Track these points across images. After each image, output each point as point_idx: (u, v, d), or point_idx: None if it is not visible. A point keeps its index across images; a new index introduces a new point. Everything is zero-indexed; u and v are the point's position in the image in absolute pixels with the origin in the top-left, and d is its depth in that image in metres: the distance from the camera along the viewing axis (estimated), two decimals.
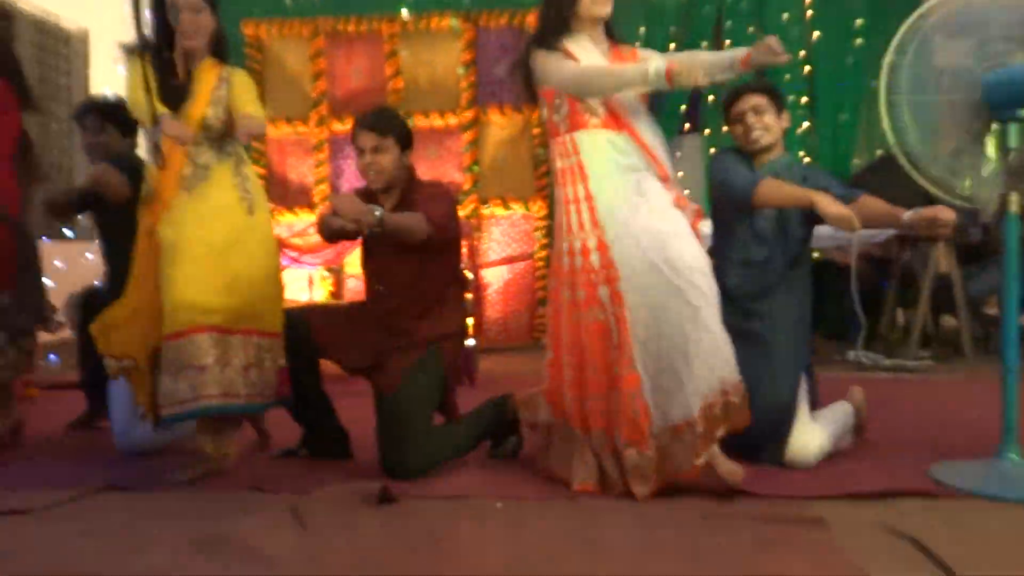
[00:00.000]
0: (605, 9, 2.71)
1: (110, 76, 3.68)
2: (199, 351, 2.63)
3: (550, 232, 6.03)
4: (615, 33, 2.83)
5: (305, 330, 2.86)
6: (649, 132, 2.71)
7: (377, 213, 2.64)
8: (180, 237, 2.70)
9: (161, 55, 2.81)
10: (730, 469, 2.51)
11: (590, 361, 2.57)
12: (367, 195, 2.91)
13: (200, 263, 2.68)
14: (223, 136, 2.79)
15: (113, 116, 3.38)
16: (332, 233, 2.92)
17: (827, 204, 2.70)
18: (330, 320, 2.94)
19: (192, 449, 2.91)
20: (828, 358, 5.16)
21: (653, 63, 2.55)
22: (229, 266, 2.72)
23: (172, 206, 2.75)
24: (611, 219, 2.59)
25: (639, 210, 2.57)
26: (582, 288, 2.60)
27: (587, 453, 2.59)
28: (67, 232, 5.46)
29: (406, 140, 2.93)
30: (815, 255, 6.16)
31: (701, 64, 2.57)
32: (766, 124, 2.98)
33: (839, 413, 3.01)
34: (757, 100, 2.98)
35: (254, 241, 2.82)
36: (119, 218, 3.02)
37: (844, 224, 2.66)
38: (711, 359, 2.46)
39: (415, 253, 2.82)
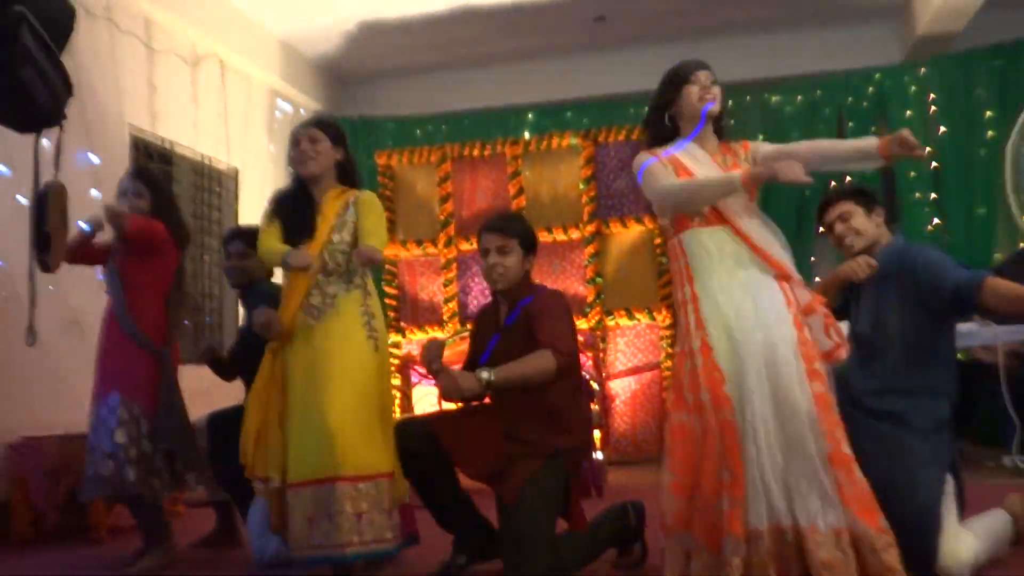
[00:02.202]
0: (710, 104, 2.66)
1: (257, 208, 3.94)
2: (338, 500, 2.65)
3: (675, 341, 5.97)
4: (725, 129, 2.78)
5: (433, 438, 2.86)
6: (758, 229, 2.62)
7: (484, 376, 2.65)
8: (321, 373, 2.75)
9: (295, 190, 2.98)
10: None
11: (728, 464, 2.42)
12: (483, 311, 3.00)
13: (346, 400, 2.72)
14: (348, 262, 2.88)
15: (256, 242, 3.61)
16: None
17: None
18: (455, 427, 2.94)
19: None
20: (981, 464, 4.84)
21: (737, 172, 2.55)
22: (365, 409, 2.77)
23: (299, 334, 2.84)
24: (715, 320, 2.53)
25: (746, 306, 2.52)
26: (704, 390, 2.51)
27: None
28: None
29: (530, 243, 2.99)
30: (959, 355, 5.88)
31: (806, 159, 2.53)
32: (856, 228, 2.93)
33: (995, 521, 2.81)
34: (844, 207, 2.95)
35: (382, 382, 2.88)
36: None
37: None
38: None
39: None
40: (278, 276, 3.38)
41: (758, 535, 2.35)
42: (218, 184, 6.18)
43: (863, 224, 2.94)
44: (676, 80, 2.69)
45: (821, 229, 3.11)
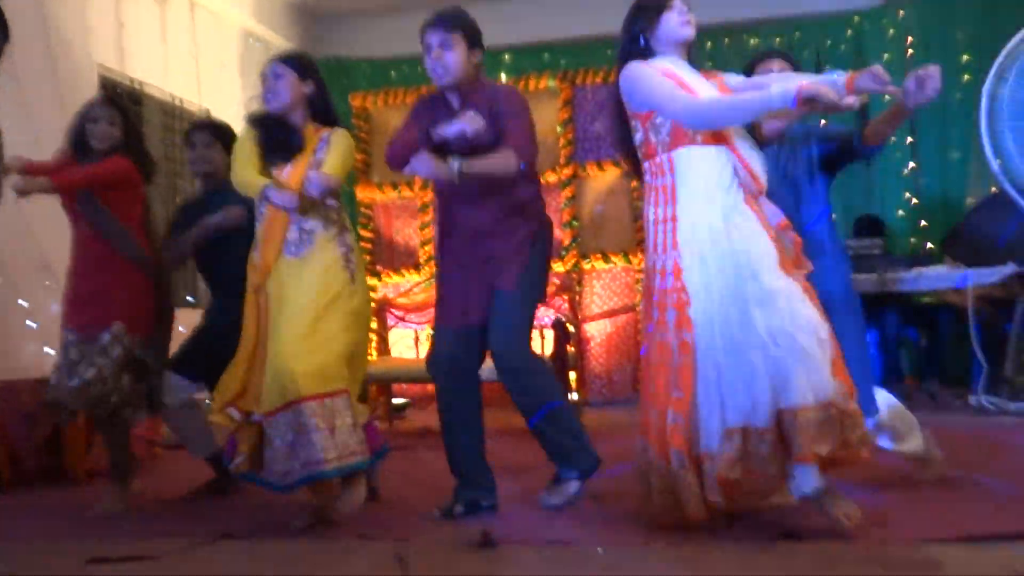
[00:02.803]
0: (689, 31, 2.66)
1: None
2: (309, 418, 2.71)
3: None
4: (694, 59, 2.76)
5: (467, 372, 2.98)
6: (748, 147, 2.65)
7: (455, 167, 2.71)
8: (287, 304, 2.81)
9: (272, 125, 2.96)
10: (848, 511, 2.42)
11: (677, 382, 2.52)
12: (430, 100, 3.03)
13: (299, 327, 2.76)
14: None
15: (222, 135, 3.53)
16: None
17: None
18: (444, 310, 3.03)
19: (302, 500, 3.00)
20: (949, 404, 4.94)
21: (776, 87, 2.48)
22: (323, 328, 2.80)
23: (278, 268, 2.87)
24: (690, 242, 2.57)
25: (724, 236, 2.56)
26: (671, 308, 2.58)
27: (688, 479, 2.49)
28: (189, 299, 5.75)
29: (475, 37, 2.92)
30: (926, 299, 5.98)
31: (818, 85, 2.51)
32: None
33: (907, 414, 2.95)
34: (782, 64, 2.97)
35: (350, 308, 2.89)
36: (231, 262, 3.14)
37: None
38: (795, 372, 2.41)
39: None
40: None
41: (711, 455, 2.45)
42: (188, 125, 6.08)
43: None
44: (654, 5, 2.66)
45: None
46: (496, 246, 2.95)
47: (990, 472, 3.16)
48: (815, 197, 3.03)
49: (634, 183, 6.13)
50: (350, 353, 2.88)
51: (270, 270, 2.88)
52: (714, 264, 2.54)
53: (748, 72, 3.01)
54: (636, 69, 2.65)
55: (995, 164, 2.63)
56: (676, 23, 2.65)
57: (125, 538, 2.79)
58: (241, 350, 2.91)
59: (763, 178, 2.64)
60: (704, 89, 2.62)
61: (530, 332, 3.07)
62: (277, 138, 2.92)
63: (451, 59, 2.89)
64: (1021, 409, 4.68)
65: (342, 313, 2.86)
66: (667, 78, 2.61)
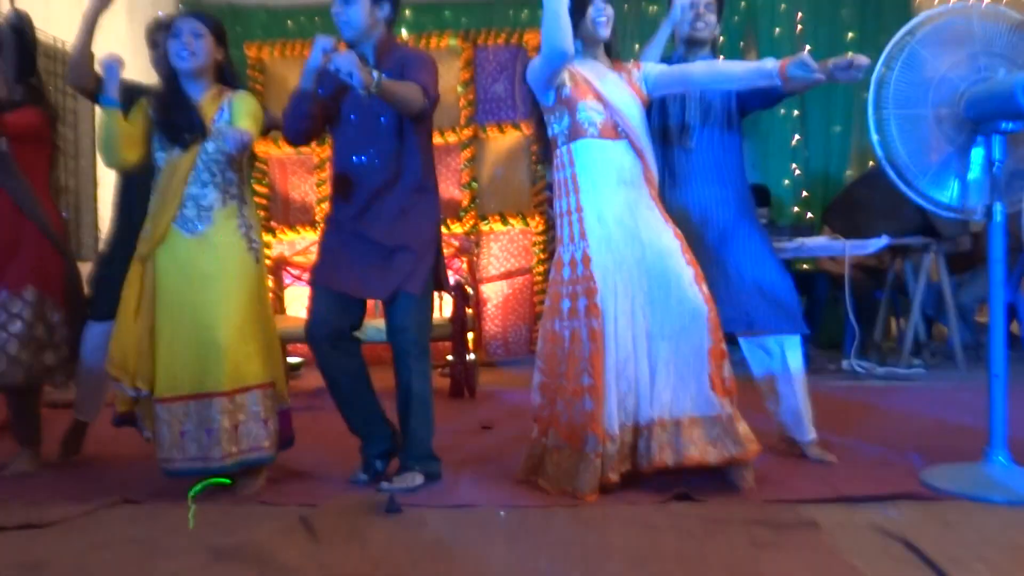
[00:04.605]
0: (605, 32, 2.80)
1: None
2: (216, 415, 2.69)
3: (548, 246, 6.11)
4: (614, 50, 2.92)
5: (346, 337, 2.91)
6: (648, 144, 2.80)
7: (376, 75, 2.61)
8: (204, 294, 2.72)
9: (173, 107, 2.82)
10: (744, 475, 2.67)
11: (589, 369, 2.64)
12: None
13: (215, 318, 2.71)
14: (224, 172, 2.81)
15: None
16: (304, 100, 2.84)
17: None
18: (329, 270, 2.91)
19: None
20: (823, 368, 5.24)
21: (769, 61, 2.65)
22: (249, 324, 2.77)
23: (175, 245, 2.77)
24: (596, 232, 2.69)
25: (627, 222, 2.69)
26: (581, 297, 2.69)
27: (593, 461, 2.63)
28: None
29: None
30: (804, 266, 6.29)
31: (702, 79, 2.80)
32: (710, 22, 3.07)
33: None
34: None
35: (262, 292, 2.89)
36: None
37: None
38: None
39: (397, 124, 2.85)
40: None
41: (612, 437, 2.61)
42: None
43: (714, 24, 3.10)
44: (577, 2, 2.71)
45: None
46: (403, 235, 2.87)
47: (862, 435, 3.40)
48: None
49: (534, 147, 6.20)
50: (268, 341, 2.86)
51: (161, 241, 2.77)
52: (621, 253, 2.66)
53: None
54: (533, 63, 2.77)
55: (879, 150, 2.79)
56: (592, 25, 2.77)
57: (20, 504, 2.72)
58: (121, 320, 2.79)
59: (654, 170, 2.80)
60: (615, 96, 2.77)
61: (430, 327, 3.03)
62: (177, 124, 2.79)
63: (353, 13, 2.83)
64: (887, 373, 5.02)
65: (257, 302, 2.83)
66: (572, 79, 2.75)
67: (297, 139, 2.95)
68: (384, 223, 2.86)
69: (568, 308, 2.71)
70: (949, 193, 2.80)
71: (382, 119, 2.86)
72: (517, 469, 2.87)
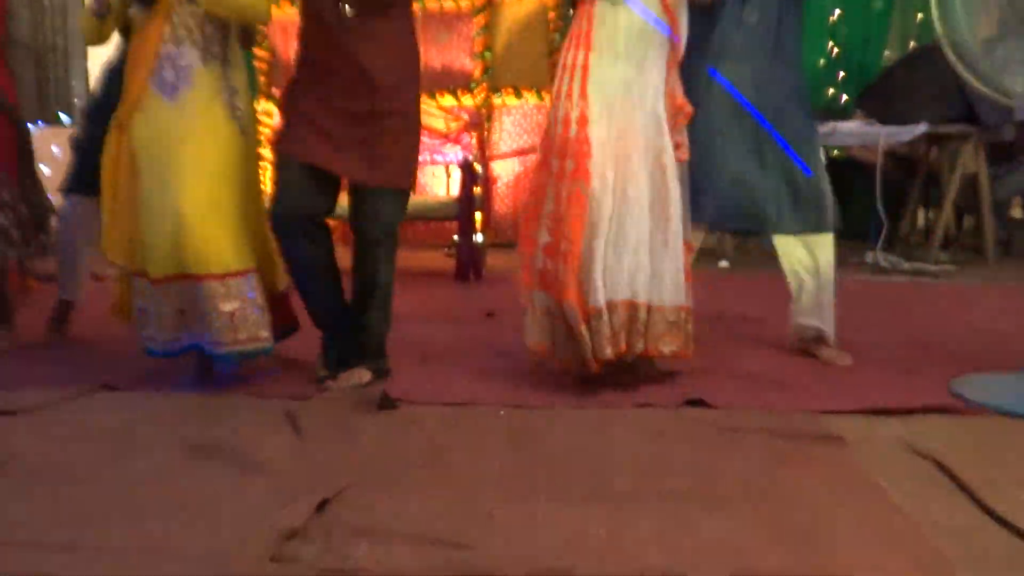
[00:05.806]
0: None
1: None
2: (208, 299, 2.49)
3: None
4: None
5: (316, 223, 2.62)
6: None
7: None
8: (174, 159, 2.46)
9: None
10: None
11: (566, 232, 2.46)
12: None
13: (193, 194, 2.46)
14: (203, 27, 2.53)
15: None
16: None
17: None
18: (301, 139, 2.54)
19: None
20: (846, 260, 5.01)
21: None
22: (227, 199, 2.53)
23: (151, 109, 2.51)
24: (598, 95, 2.48)
25: (636, 91, 2.50)
26: (569, 159, 2.49)
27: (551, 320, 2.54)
28: (63, 117, 5.29)
29: None
30: (835, 151, 5.98)
31: None
32: None
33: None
34: None
35: (248, 166, 2.62)
36: None
37: None
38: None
39: None
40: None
41: (598, 311, 2.43)
42: None
43: None
44: None
45: None
46: (389, 116, 2.54)
47: (885, 337, 3.22)
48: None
49: (551, 15, 5.83)
50: (255, 223, 2.63)
51: (136, 104, 2.52)
52: (621, 119, 2.48)
53: None
54: None
55: (939, 25, 2.49)
56: None
57: None
58: (105, 200, 2.61)
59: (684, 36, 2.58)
60: None
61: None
62: None
63: None
64: (914, 268, 4.79)
65: (236, 176, 2.57)
66: None
67: None
68: (372, 100, 2.52)
69: (556, 167, 2.52)
70: (1021, 80, 2.49)
71: None
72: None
